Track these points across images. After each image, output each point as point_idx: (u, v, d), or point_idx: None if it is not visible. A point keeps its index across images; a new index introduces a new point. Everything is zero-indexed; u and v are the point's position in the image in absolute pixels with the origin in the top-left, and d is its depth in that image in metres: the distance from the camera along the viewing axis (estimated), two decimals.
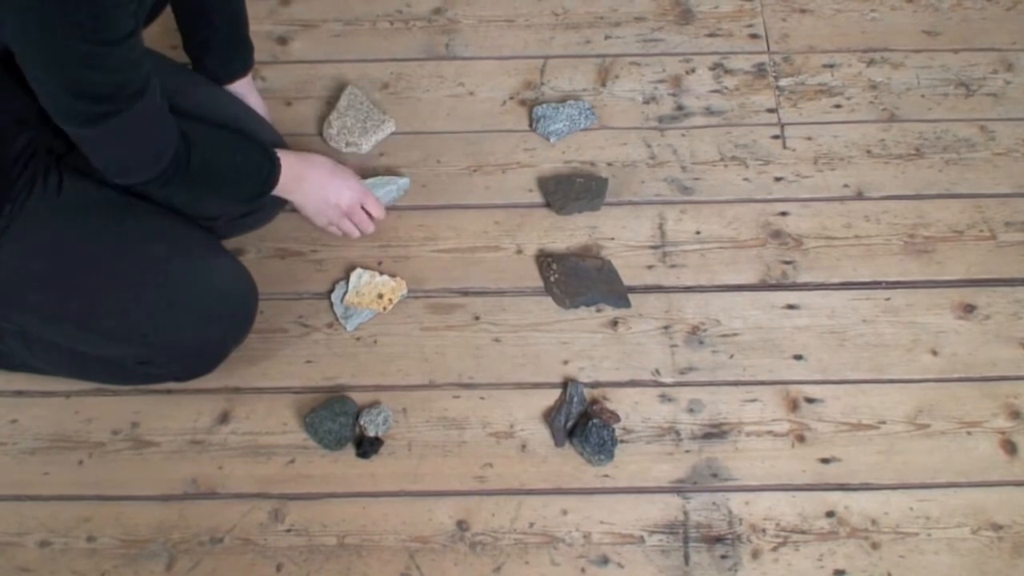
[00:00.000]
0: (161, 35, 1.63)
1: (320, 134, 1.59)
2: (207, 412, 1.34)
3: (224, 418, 1.34)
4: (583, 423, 1.30)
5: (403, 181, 1.51)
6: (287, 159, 1.27)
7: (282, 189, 1.28)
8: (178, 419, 1.34)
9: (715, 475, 1.29)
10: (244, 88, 1.42)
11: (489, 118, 1.61)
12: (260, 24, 1.71)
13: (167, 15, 1.34)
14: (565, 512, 1.27)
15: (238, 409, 1.35)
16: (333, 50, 1.70)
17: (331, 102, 1.62)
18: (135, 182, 1.13)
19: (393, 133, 1.59)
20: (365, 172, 1.53)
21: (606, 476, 1.30)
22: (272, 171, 1.24)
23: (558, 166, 1.56)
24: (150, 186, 1.14)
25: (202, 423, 1.34)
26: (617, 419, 1.32)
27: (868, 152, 1.57)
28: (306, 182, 1.32)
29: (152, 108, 1.07)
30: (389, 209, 1.50)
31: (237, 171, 1.20)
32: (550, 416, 1.33)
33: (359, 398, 1.35)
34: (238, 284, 1.29)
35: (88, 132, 1.04)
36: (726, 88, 1.64)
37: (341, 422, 1.31)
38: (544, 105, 1.59)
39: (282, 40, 1.71)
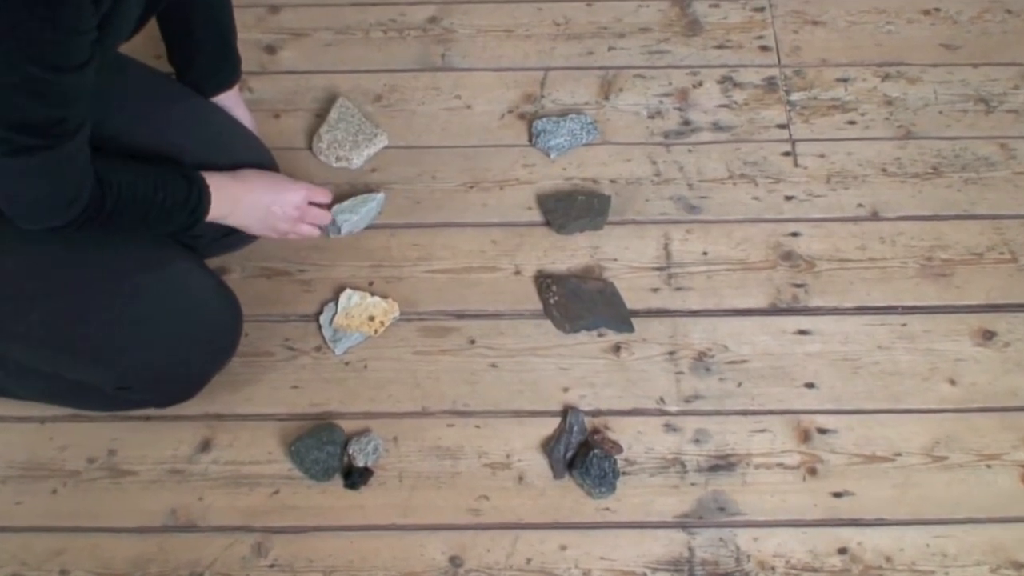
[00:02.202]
0: (145, 44, 1.65)
1: (310, 148, 1.60)
2: (188, 440, 1.35)
3: (205, 446, 1.35)
4: (583, 454, 1.31)
5: (379, 196, 1.52)
6: (217, 183, 1.23)
7: (217, 215, 1.25)
8: (157, 447, 1.35)
9: (722, 509, 1.30)
10: (231, 100, 1.43)
11: (487, 132, 1.63)
12: (248, 32, 1.72)
13: (151, 24, 1.35)
14: (564, 548, 1.28)
15: (220, 437, 1.36)
16: (324, 60, 1.72)
17: (321, 115, 1.64)
18: (40, 226, 1.09)
19: (386, 147, 1.61)
20: (355, 188, 1.55)
21: (607, 510, 1.30)
22: (200, 201, 1.21)
23: (559, 183, 1.57)
24: (60, 232, 1.10)
25: (182, 451, 1.35)
26: (619, 450, 1.33)
27: (883, 170, 1.58)
28: (242, 203, 1.28)
29: (78, 152, 1.04)
30: (380, 228, 1.52)
31: (160, 207, 1.17)
32: (549, 446, 1.34)
33: (348, 426, 1.36)
34: (221, 305, 1.29)
35: (4, 162, 1.00)
36: (735, 103, 1.66)
37: (329, 451, 1.32)
38: (544, 119, 1.61)
39: (270, 49, 1.73)
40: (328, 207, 1.44)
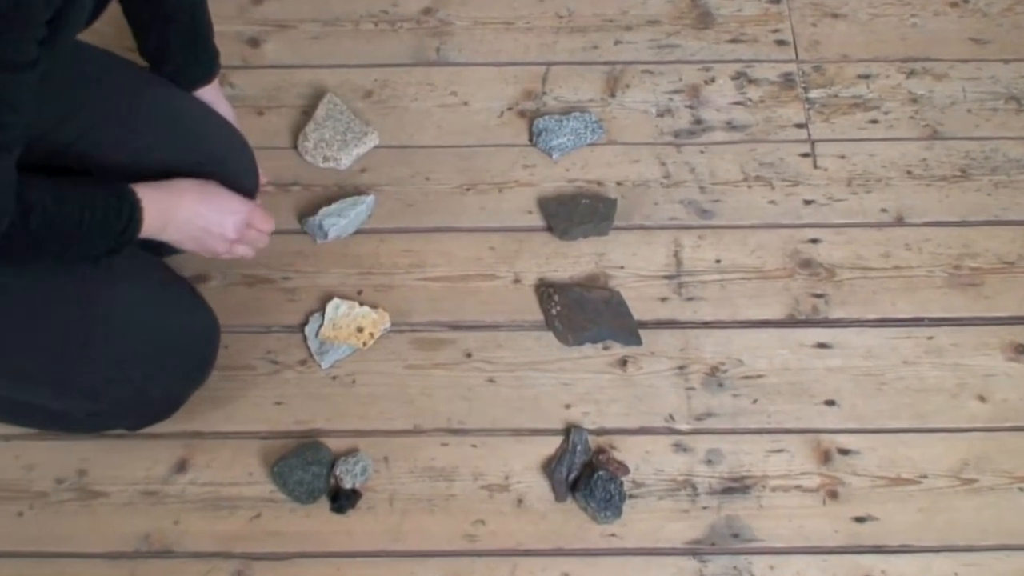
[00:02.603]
0: (116, 35, 1.66)
1: (295, 147, 1.61)
2: (163, 459, 1.36)
3: (182, 466, 1.35)
4: (587, 475, 1.32)
5: (369, 199, 1.53)
6: (149, 196, 1.19)
7: (150, 232, 1.20)
8: (130, 467, 1.35)
9: (736, 535, 1.31)
10: (210, 96, 1.43)
11: (484, 131, 1.64)
12: (229, 24, 1.74)
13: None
14: None
15: (198, 456, 1.36)
16: (310, 54, 1.73)
17: (308, 112, 1.65)
18: None
19: (376, 147, 1.62)
20: (344, 190, 1.56)
21: (613, 535, 1.31)
22: (131, 217, 1.16)
23: (561, 185, 1.58)
24: None
25: (157, 472, 1.35)
26: (626, 471, 1.34)
27: (908, 173, 1.59)
28: (174, 220, 1.23)
29: (6, 171, 1.01)
30: (370, 232, 1.53)
31: (88, 226, 1.13)
32: (550, 467, 1.35)
33: (335, 445, 1.36)
34: (198, 317, 1.30)
35: None
36: (750, 100, 1.68)
37: (314, 472, 1.32)
38: (546, 117, 1.62)
39: (253, 42, 1.74)
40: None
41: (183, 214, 1.24)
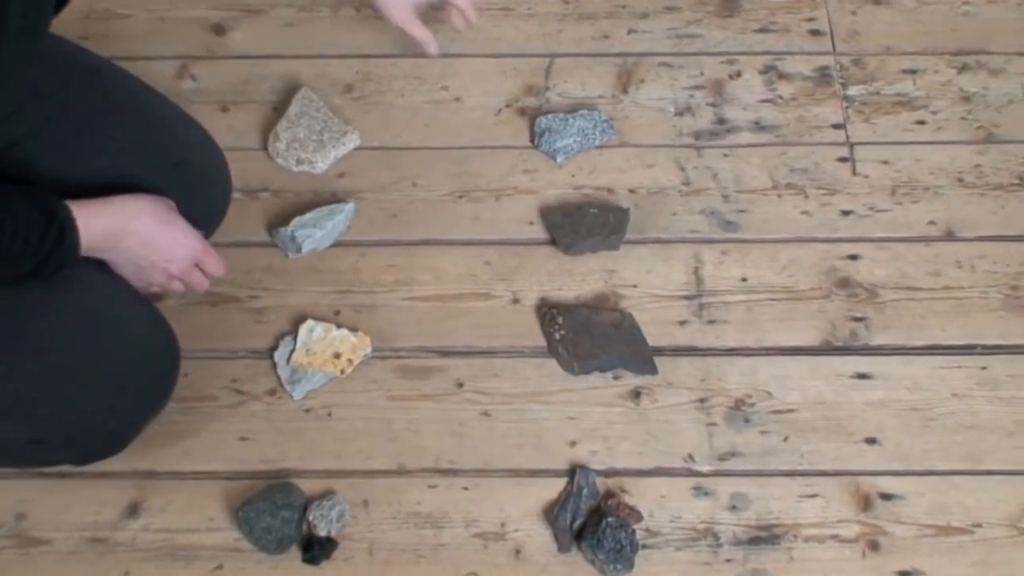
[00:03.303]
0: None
1: (265, 148, 1.62)
2: (112, 502, 1.36)
3: (134, 510, 1.36)
4: (595, 522, 1.32)
5: (348, 207, 1.54)
6: (94, 217, 1.19)
7: (91, 253, 1.21)
8: (75, 510, 1.35)
9: None
10: None
11: (479, 131, 1.66)
12: (191, 8, 1.75)
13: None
14: None
15: (152, 499, 1.36)
16: (283, 43, 1.74)
17: (280, 108, 1.66)
18: None
19: (357, 148, 1.63)
20: (320, 197, 1.57)
21: None
22: (60, 240, 1.15)
23: (566, 193, 1.60)
24: None
25: (106, 516, 1.35)
26: (639, 517, 1.34)
27: (960, 181, 1.60)
28: (119, 247, 1.24)
29: None
30: (349, 245, 1.54)
31: (6, 244, 1.11)
32: (552, 513, 1.35)
33: (308, 487, 1.37)
34: (153, 341, 1.30)
35: None
36: (780, 97, 1.69)
37: (284, 517, 1.33)
38: (550, 116, 1.63)
39: (219, 29, 1.75)
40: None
41: (131, 241, 1.24)
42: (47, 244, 1.14)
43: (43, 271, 1.15)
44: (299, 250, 1.52)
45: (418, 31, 1.58)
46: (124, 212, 1.24)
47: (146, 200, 1.26)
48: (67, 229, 1.15)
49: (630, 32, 1.75)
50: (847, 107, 1.68)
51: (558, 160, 1.61)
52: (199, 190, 1.40)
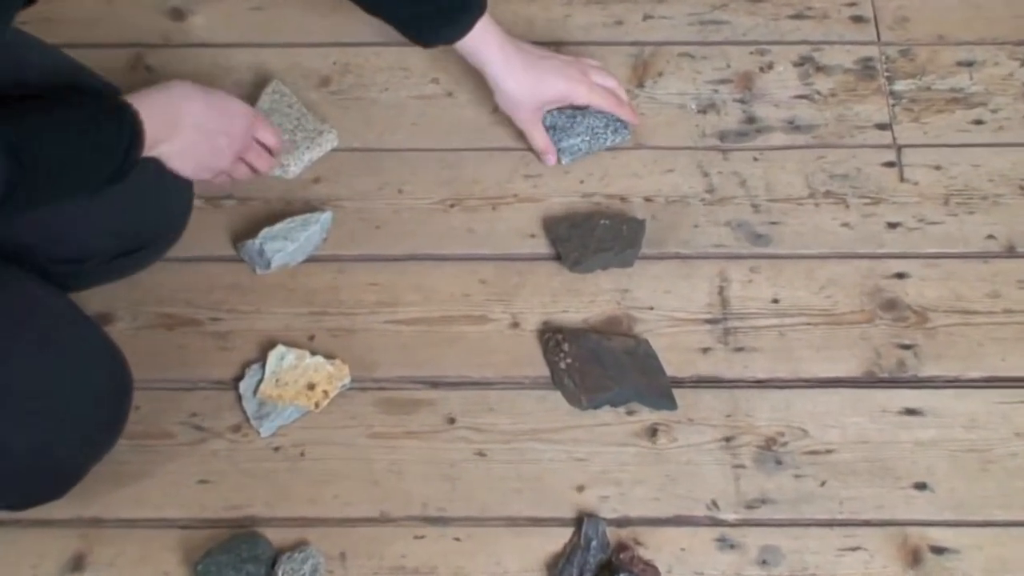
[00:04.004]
0: None
1: None
2: (53, 554, 1.36)
3: (78, 563, 1.35)
4: None
5: (324, 217, 1.55)
6: (148, 104, 1.25)
7: (153, 147, 1.27)
8: (12, 563, 1.35)
9: None
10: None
11: (474, 130, 1.67)
12: None
13: None
14: None
15: (98, 550, 1.36)
16: (251, 29, 1.75)
17: (247, 102, 1.66)
18: None
19: (335, 149, 1.63)
20: (292, 205, 1.58)
21: None
22: (132, 133, 1.23)
23: (574, 201, 1.60)
24: None
25: (46, 570, 1.35)
26: (655, 573, 1.34)
27: (1023, 189, 1.61)
28: (182, 129, 1.31)
29: None
30: (325, 260, 1.55)
31: (88, 153, 1.21)
32: (557, 568, 1.35)
33: (277, 537, 1.37)
34: (102, 368, 1.31)
35: None
36: (818, 93, 1.70)
37: (249, 572, 1.33)
38: (555, 112, 1.63)
39: (177, 13, 1.77)
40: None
41: (188, 122, 1.31)
42: (123, 140, 1.21)
43: (124, 172, 1.23)
44: (268, 266, 1.52)
45: (541, 139, 1.60)
46: (172, 93, 1.31)
47: (178, 80, 1.33)
48: (132, 122, 1.22)
49: (646, 18, 1.76)
50: (894, 104, 1.68)
51: (564, 162, 1.62)
52: (155, 196, 1.41)
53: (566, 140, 1.61)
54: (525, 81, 1.55)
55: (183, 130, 1.31)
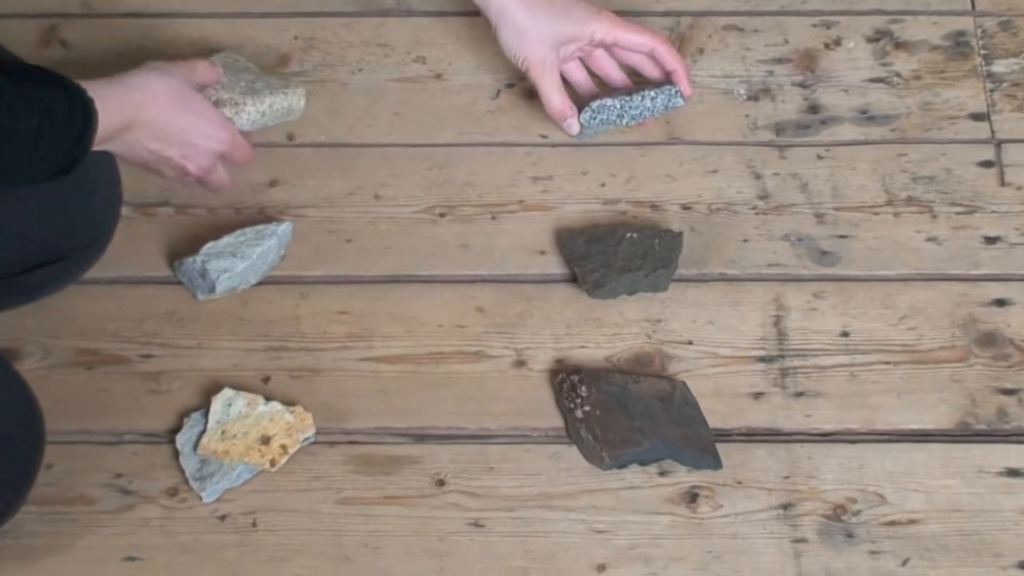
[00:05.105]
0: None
1: None
2: None
3: None
4: None
5: (282, 229, 1.55)
6: (110, 99, 1.29)
7: (99, 141, 1.29)
8: None
9: None
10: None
11: (470, 120, 1.68)
12: None
13: None
14: None
15: None
16: None
17: None
18: None
19: (303, 118, 1.62)
20: (242, 213, 1.58)
21: None
22: (85, 124, 1.25)
23: (593, 209, 1.61)
24: None
25: None
26: None
27: None
28: (133, 135, 1.37)
29: None
30: (284, 283, 1.55)
31: (34, 136, 1.21)
32: None
33: None
34: (6, 412, 1.31)
35: None
36: (897, 76, 1.70)
37: None
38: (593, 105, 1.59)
39: None
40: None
41: (140, 132, 1.36)
42: (73, 131, 1.24)
43: (75, 158, 1.25)
44: (212, 289, 1.53)
45: (556, 96, 1.56)
46: (141, 94, 1.35)
47: (161, 76, 1.38)
48: (86, 111, 1.25)
49: None
50: (992, 90, 1.69)
51: (585, 124, 1.56)
52: (76, 198, 1.41)
53: (595, 101, 1.56)
54: (539, 9, 1.53)
55: (130, 139, 1.35)
